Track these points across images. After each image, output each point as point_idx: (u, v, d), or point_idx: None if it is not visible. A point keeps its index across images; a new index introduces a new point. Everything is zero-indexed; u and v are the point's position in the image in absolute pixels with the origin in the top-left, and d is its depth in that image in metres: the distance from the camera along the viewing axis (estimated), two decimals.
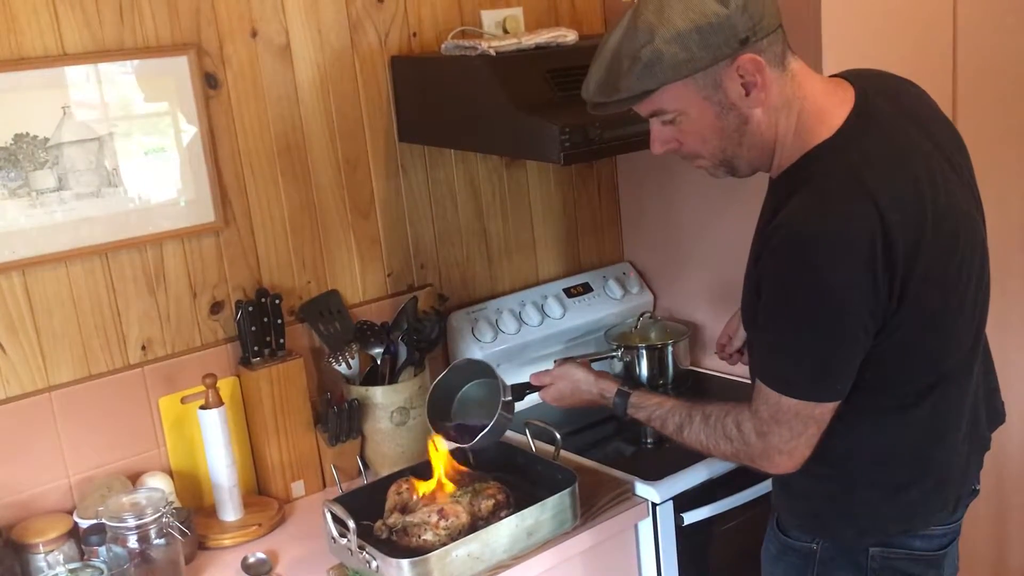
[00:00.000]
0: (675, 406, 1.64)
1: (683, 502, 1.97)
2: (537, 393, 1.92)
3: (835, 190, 1.36)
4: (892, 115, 1.45)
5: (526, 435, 1.98)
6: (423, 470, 1.86)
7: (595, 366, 1.90)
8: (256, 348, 2.01)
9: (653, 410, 1.68)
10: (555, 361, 1.94)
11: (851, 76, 1.50)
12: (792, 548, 1.61)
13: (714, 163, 1.50)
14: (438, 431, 1.88)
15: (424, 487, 1.81)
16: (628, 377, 1.79)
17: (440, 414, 1.94)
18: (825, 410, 1.42)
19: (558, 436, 1.93)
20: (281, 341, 2.04)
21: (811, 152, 1.42)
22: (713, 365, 2.51)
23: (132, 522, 1.69)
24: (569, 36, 2.10)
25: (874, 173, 1.36)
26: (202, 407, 1.91)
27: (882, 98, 1.46)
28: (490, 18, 2.30)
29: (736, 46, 1.36)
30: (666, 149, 1.50)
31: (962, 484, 1.56)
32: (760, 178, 1.55)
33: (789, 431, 1.43)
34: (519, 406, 1.92)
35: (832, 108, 1.43)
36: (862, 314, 1.36)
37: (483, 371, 1.95)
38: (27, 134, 1.77)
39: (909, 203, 1.36)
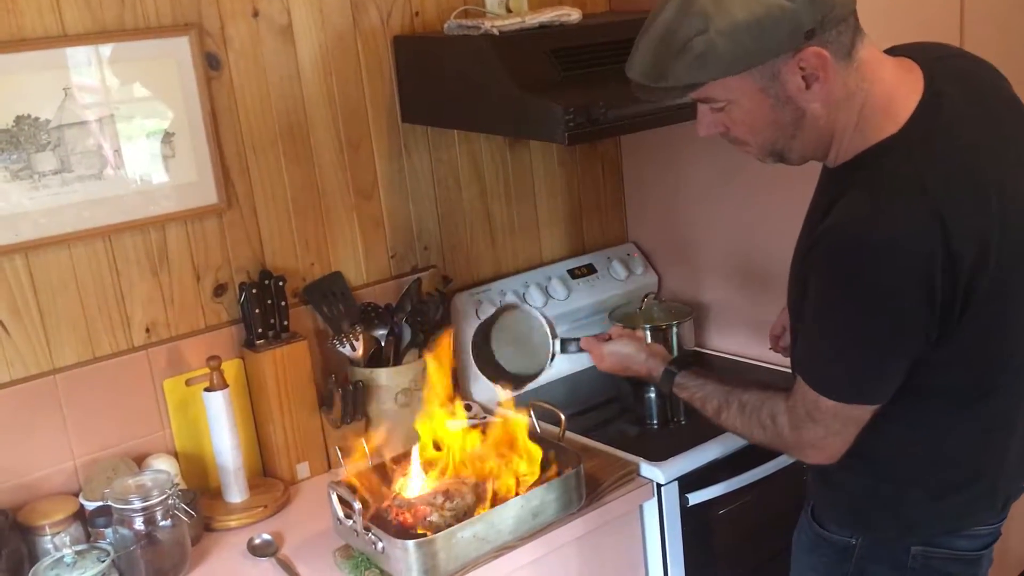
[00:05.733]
0: (714, 390, 1.59)
1: (688, 483, 1.97)
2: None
3: (896, 194, 1.28)
4: (962, 107, 1.35)
5: (531, 416, 1.98)
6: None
7: None
8: (260, 330, 2.01)
9: (694, 391, 1.64)
10: (611, 331, 1.84)
11: (920, 56, 1.39)
12: (828, 541, 1.56)
13: (763, 153, 1.42)
14: (487, 376, 1.89)
15: (431, 468, 1.81)
16: (680, 355, 1.74)
17: (484, 359, 1.92)
18: (864, 412, 1.38)
19: (563, 417, 1.93)
20: (285, 323, 2.04)
21: (873, 148, 1.33)
22: (718, 346, 2.50)
23: (138, 504, 1.69)
24: (573, 15, 2.09)
25: (938, 177, 1.28)
26: (207, 389, 1.91)
27: (953, 86, 1.36)
28: None
29: (800, 40, 1.25)
30: (711, 133, 1.41)
31: (1012, 481, 1.52)
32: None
33: (825, 429, 1.40)
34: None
35: (900, 99, 1.33)
36: (914, 324, 1.30)
37: (516, 309, 1.91)
38: (28, 116, 1.76)
39: (975, 209, 1.29)
